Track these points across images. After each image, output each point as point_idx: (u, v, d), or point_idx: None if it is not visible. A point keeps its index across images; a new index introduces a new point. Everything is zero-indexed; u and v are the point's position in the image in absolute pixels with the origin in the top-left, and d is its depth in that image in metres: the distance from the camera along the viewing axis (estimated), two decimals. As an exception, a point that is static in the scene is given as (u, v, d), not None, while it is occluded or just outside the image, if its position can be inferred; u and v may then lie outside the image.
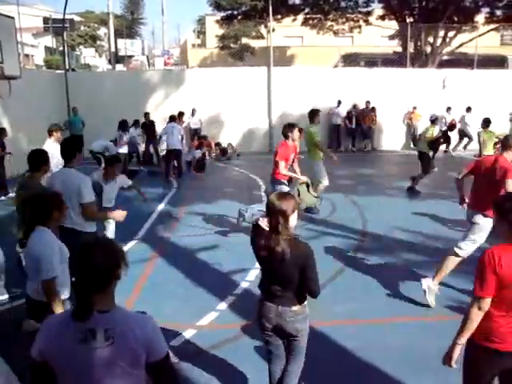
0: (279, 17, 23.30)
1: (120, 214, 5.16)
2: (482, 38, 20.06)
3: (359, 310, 5.35)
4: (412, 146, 18.04)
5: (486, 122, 11.86)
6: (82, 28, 45.26)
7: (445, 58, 21.50)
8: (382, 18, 23.33)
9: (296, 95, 17.40)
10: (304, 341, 3.42)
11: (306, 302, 3.33)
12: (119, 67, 32.58)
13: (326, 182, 9.35)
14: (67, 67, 18.85)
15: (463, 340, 2.84)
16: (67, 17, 20.40)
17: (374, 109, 17.87)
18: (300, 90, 17.41)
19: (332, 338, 4.66)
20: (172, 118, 13.30)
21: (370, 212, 9.48)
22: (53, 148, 6.97)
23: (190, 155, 14.37)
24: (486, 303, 2.75)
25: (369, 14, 23.57)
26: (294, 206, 3.16)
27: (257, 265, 6.57)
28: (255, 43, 27.00)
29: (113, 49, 31.75)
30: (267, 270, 3.32)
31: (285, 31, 27.04)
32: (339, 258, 6.87)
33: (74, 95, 16.47)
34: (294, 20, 24.10)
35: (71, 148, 5.00)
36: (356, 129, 18.19)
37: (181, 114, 14.33)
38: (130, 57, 43.12)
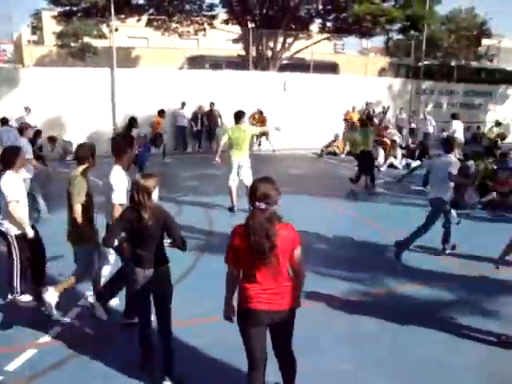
0: (123, 16, 22.62)
1: None
2: (316, 45, 21.79)
3: (211, 309, 5.44)
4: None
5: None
6: None
7: (285, 62, 22.78)
8: (226, 22, 23.92)
9: (141, 97, 17.10)
10: (170, 300, 4.12)
11: (168, 264, 4.11)
12: None
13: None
14: None
15: (227, 297, 3.60)
16: None
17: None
18: (145, 92, 17.15)
19: (185, 337, 4.69)
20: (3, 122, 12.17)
21: (216, 211, 9.67)
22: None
23: None
24: (230, 269, 3.53)
25: (213, 17, 23.94)
26: (156, 183, 3.99)
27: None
28: (97, 43, 25.94)
29: None
30: (134, 238, 4.03)
31: (129, 31, 26.38)
32: (186, 258, 6.72)
33: None
34: (139, 20, 23.56)
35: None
36: (202, 130, 18.40)
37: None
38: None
